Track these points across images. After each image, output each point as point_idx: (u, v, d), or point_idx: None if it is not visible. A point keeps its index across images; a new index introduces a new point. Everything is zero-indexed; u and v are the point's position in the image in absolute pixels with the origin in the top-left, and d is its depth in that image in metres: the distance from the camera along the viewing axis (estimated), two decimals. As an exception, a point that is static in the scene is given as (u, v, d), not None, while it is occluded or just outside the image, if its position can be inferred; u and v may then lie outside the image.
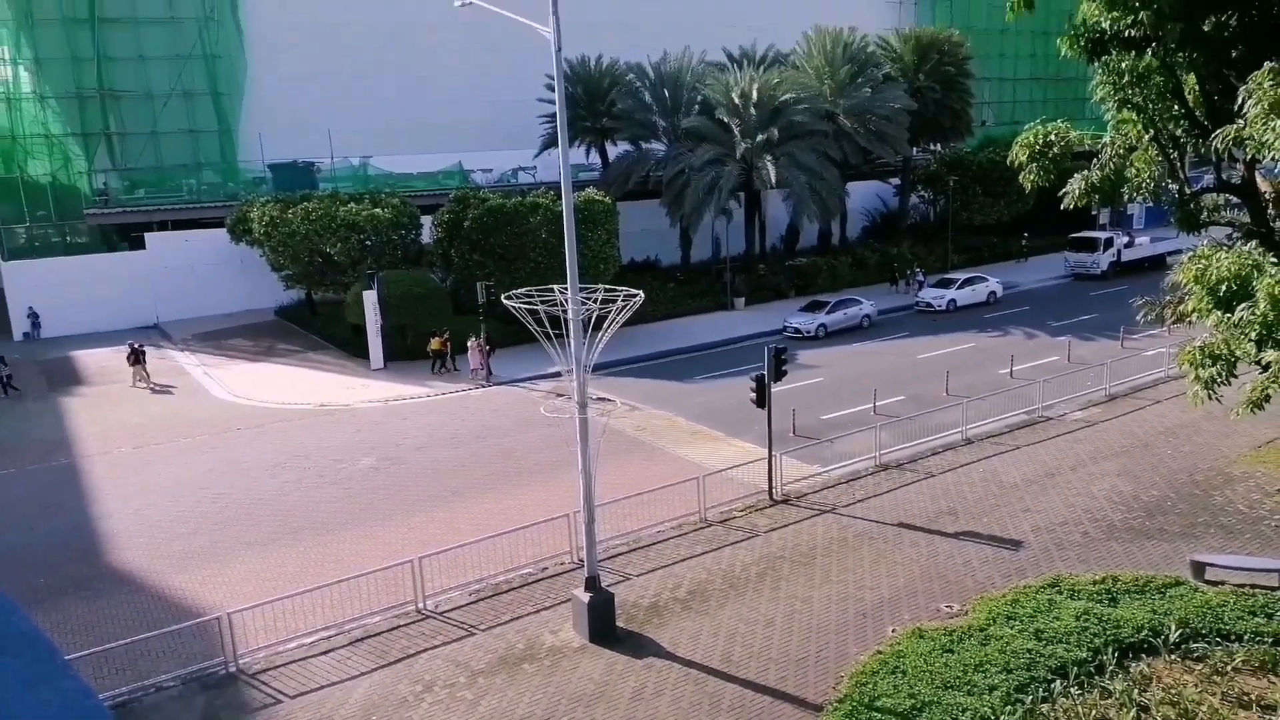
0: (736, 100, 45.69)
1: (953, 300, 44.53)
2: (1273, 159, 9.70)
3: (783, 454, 23.11)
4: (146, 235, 45.75)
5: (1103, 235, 52.80)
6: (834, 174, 47.43)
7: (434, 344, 35.42)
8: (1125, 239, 53.00)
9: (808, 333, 39.74)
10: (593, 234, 39.17)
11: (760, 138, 44.79)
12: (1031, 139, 13.62)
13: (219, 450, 28.09)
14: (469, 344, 34.62)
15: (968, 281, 46.06)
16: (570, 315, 15.98)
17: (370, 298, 36.07)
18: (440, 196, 43.99)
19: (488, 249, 38.10)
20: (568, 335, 16.05)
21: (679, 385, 32.43)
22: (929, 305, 44.79)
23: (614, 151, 50.71)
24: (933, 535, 20.20)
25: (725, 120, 45.86)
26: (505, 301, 16.60)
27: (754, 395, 22.63)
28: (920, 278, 48.81)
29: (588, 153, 51.61)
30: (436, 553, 18.43)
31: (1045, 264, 54.98)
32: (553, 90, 16.97)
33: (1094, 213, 50.60)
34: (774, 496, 22.43)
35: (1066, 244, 53.35)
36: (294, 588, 17.79)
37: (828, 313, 40.85)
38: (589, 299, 16.21)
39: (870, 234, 60.45)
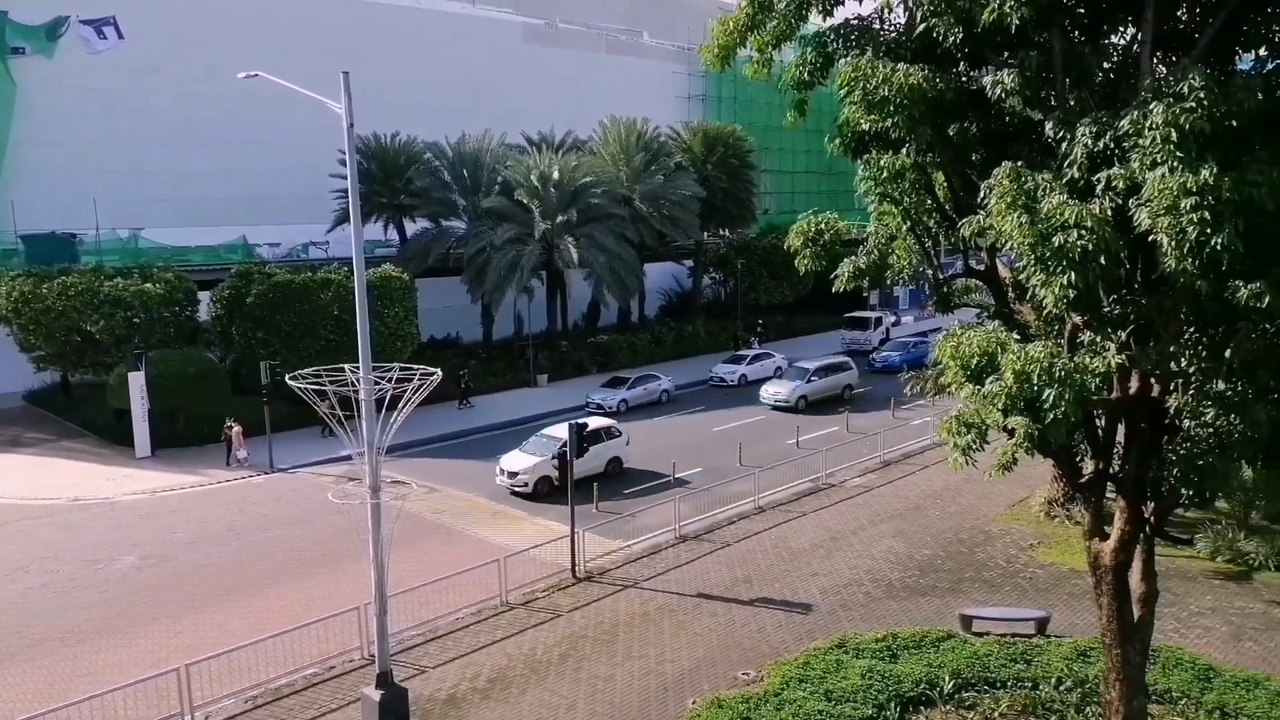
0: (536, 182, 46.53)
1: (744, 375, 46.71)
2: (1011, 248, 10.90)
3: (585, 530, 23.03)
4: None
5: (873, 315, 57.49)
6: (632, 255, 49.05)
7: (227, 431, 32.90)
8: (893, 318, 58.12)
9: (609, 408, 40.26)
10: (389, 311, 38.20)
11: (561, 218, 45.72)
12: (805, 227, 14.65)
13: (-55, 555, 24.47)
14: (227, 429, 32.53)
15: (757, 357, 48.61)
16: (362, 395, 15.35)
17: (137, 379, 33.15)
18: (221, 271, 41.41)
19: (273, 326, 36.17)
20: (359, 416, 15.37)
21: (481, 464, 31.76)
22: (722, 380, 46.75)
23: (413, 228, 50.02)
24: (730, 604, 20.67)
25: (525, 201, 46.49)
26: (290, 382, 15.71)
27: (557, 472, 22.54)
28: (756, 345, 53.81)
29: (385, 229, 50.59)
30: (207, 658, 16.73)
31: (826, 341, 59.00)
32: (346, 165, 16.56)
33: (865, 294, 55.38)
34: (577, 574, 22.23)
35: (842, 323, 57.68)
36: (34, 709, 15.56)
37: (629, 388, 41.69)
38: (383, 378, 15.66)
39: (667, 312, 62.69)
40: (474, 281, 46.12)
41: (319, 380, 15.22)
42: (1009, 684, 16.36)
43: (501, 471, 29.19)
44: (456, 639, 19.21)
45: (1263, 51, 11.27)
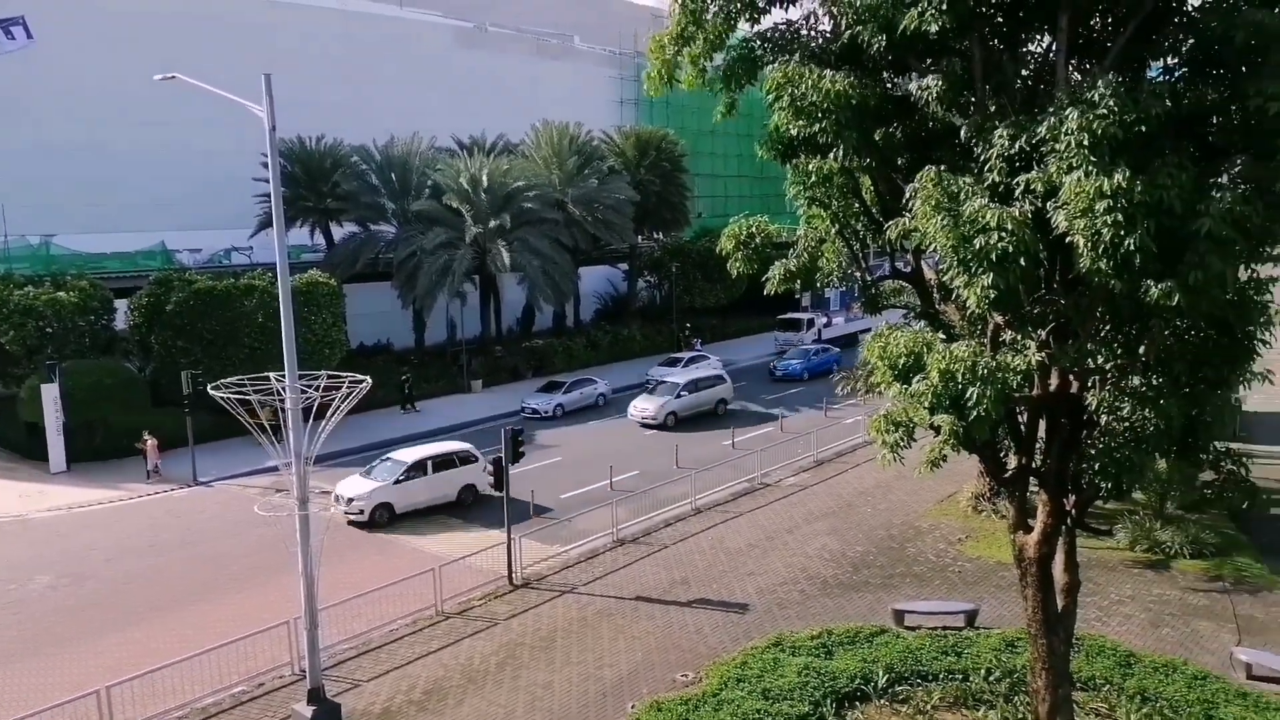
0: (467, 185, 46.05)
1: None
2: (935, 250, 11.14)
3: (522, 537, 22.84)
4: None
5: (805, 316, 58.31)
6: (566, 259, 48.88)
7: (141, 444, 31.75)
8: (825, 319, 58.94)
9: (545, 413, 40.07)
10: (317, 317, 37.41)
11: (493, 223, 45.31)
12: (736, 230, 14.80)
13: None
14: (141, 441, 31.52)
15: (693, 360, 48.83)
16: (288, 404, 14.96)
17: (50, 391, 31.80)
18: (139, 278, 39.99)
19: (194, 335, 35.10)
20: (285, 426, 14.99)
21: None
22: (659, 383, 46.81)
23: (340, 233, 49.04)
24: (668, 606, 20.72)
25: (457, 205, 45.96)
26: (212, 392, 15.24)
27: (491, 478, 22.31)
28: (698, 346, 54.24)
29: (312, 233, 49.48)
30: (130, 679, 16.12)
31: (760, 342, 59.65)
32: (269, 168, 16.14)
33: (797, 296, 56.12)
34: (514, 581, 22.03)
35: (776, 324, 58.37)
36: (-61, 741, 14.82)
37: (564, 393, 41.52)
38: (310, 386, 15.29)
39: (602, 316, 62.65)
40: (405, 286, 45.42)
41: (243, 389, 14.80)
42: (941, 676, 16.72)
43: (338, 499, 26.57)
44: (391, 651, 18.86)
45: (1170, 60, 11.74)
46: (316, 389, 15.09)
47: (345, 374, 15.59)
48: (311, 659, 15.69)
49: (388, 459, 27.99)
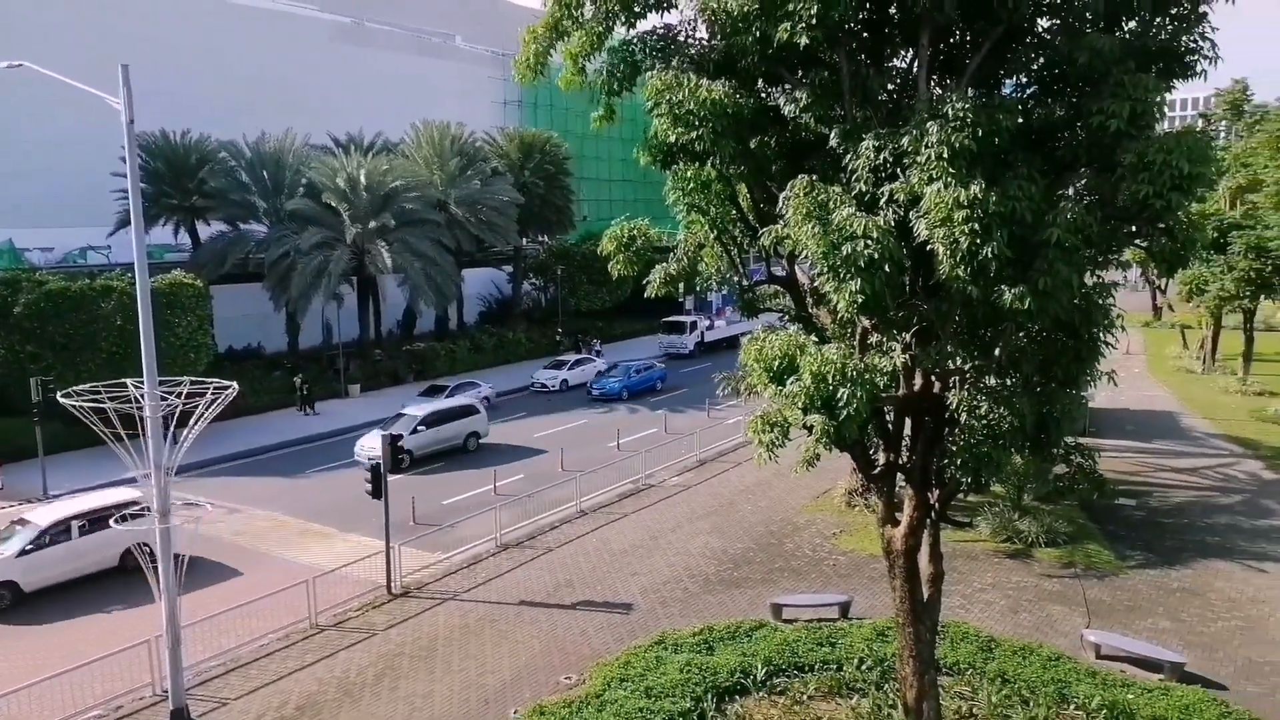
0: (344, 185, 44.74)
1: (565, 380, 46.88)
2: (808, 256, 11.52)
3: (402, 545, 22.33)
4: None
5: (689, 319, 59.20)
6: (449, 261, 48.10)
7: None
8: (708, 322, 59.99)
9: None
10: (181, 320, 35.68)
11: (373, 223, 44.19)
12: (618, 233, 14.93)
13: None
14: None
15: (579, 362, 48.92)
16: (147, 412, 14.19)
17: (-123, 400, 29.16)
18: (-18, 278, 37.17)
19: (45, 339, 32.86)
20: (144, 435, 14.20)
21: (286, 481, 30.13)
22: (544, 386, 46.74)
23: (208, 232, 46.80)
24: (552, 609, 20.65)
25: (334, 204, 44.60)
26: (63, 400, 14.31)
27: (369, 486, 21.75)
28: (598, 347, 54.44)
29: (176, 232, 47.10)
30: (-31, 710, 14.97)
31: (645, 345, 60.17)
32: (126, 163, 15.26)
33: (681, 299, 57.06)
34: (393, 590, 21.52)
35: (660, 327, 59.04)
36: None
37: (447, 397, 40.76)
38: (171, 394, 14.54)
39: (487, 319, 61.96)
40: (277, 288, 43.72)
41: (98, 397, 13.95)
42: (816, 667, 17.24)
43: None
44: (261, 667, 18.10)
45: (1022, 78, 12.50)
46: (179, 396, 14.36)
47: (210, 380, 14.91)
48: (174, 679, 14.92)
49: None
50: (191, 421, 14.35)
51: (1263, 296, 44.98)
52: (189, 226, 46.74)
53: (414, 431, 32.81)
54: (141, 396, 14.16)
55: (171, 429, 14.53)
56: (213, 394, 14.41)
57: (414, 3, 66.56)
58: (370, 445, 31.60)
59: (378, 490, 21.57)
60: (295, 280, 42.50)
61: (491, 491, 28.83)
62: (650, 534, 25.59)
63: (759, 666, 17.03)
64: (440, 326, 55.57)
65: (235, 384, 14.92)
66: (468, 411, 35.63)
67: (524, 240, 58.44)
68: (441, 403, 36.91)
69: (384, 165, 46.30)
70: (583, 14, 12.56)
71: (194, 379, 14.93)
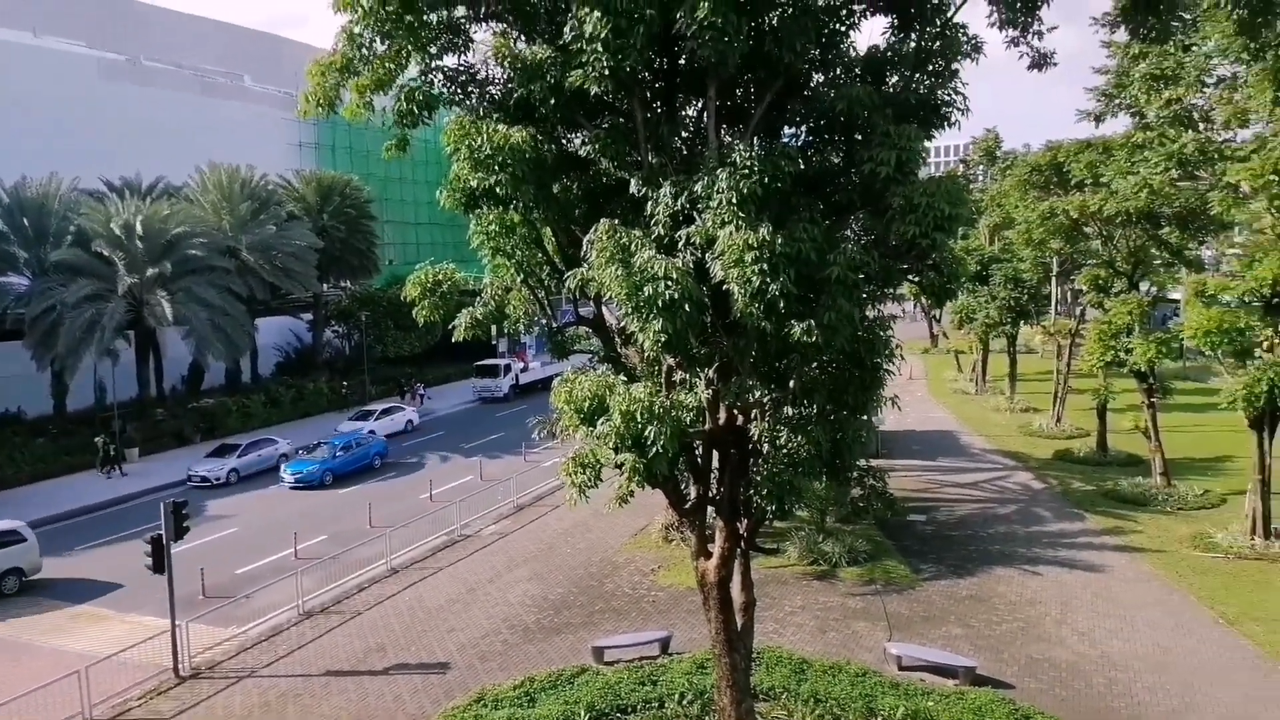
0: (120, 231, 41.31)
1: (372, 431, 45.00)
2: (612, 298, 11.68)
3: (190, 621, 20.47)
4: None
5: (503, 362, 58.64)
6: (240, 310, 45.30)
7: None
8: (522, 365, 59.62)
9: (217, 480, 36.48)
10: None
11: (152, 272, 40.96)
12: (423, 278, 14.59)
13: None
14: None
15: (386, 412, 47.11)
16: None
17: None
18: None
19: None
20: None
21: (50, 561, 26.96)
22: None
23: (-47, 285, 41.72)
24: (362, 677, 19.53)
25: (107, 253, 41.00)
26: None
27: (150, 559, 19.86)
28: (421, 390, 53.71)
29: (-85, 286, 41.69)
30: None
31: (460, 390, 58.98)
32: None
33: (494, 342, 56.37)
34: (181, 673, 19.65)
35: (473, 371, 58.12)
36: None
37: (239, 456, 38.09)
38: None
39: (285, 370, 58.68)
40: (40, 345, 39.47)
41: None
42: (639, 707, 17.21)
43: None
44: (25, 775, 15.99)
45: (801, 128, 13.35)
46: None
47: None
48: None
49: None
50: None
51: (1021, 322, 50.13)
52: (-68, 280, 41.56)
53: None
54: None
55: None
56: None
57: (195, 42, 62.95)
58: None
59: (160, 564, 19.74)
60: (62, 336, 38.54)
61: (292, 556, 27.08)
62: (467, 587, 24.85)
63: (582, 714, 16.80)
64: (232, 380, 52.02)
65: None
66: (9, 540, 25.25)
67: (325, 286, 56.13)
68: None
69: (165, 210, 43.18)
70: (374, 52, 12.28)
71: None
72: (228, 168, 49.12)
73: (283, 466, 37.52)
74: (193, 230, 43.64)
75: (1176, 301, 37.52)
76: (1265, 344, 24.14)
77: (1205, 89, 26.42)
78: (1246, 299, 24.52)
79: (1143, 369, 30.10)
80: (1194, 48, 25.40)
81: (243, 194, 48.50)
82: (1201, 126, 25.45)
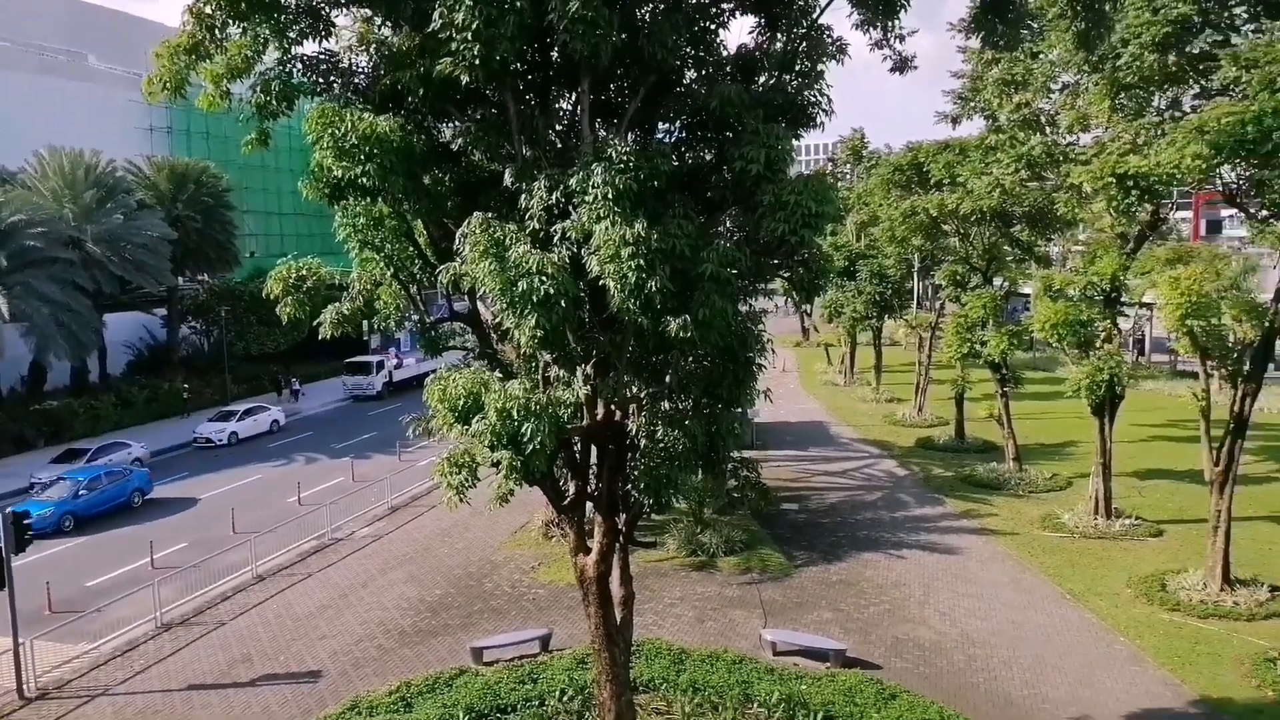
0: (-57, 219, 37.88)
1: (234, 433, 42.98)
2: (486, 292, 11.45)
3: (35, 639, 19.03)
4: None
5: (375, 359, 56.93)
6: (86, 305, 42.27)
7: None
8: (396, 361, 58.01)
9: (63, 488, 33.91)
10: None
11: (-19, 264, 37.76)
12: (285, 273, 13.98)
13: None
14: None
15: (249, 412, 44.96)
16: None
17: None
18: None
19: None
20: None
21: None
22: (209, 441, 42.49)
23: None
24: (227, 690, 18.60)
25: (-72, 243, 37.57)
26: None
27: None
28: (296, 386, 52.71)
29: None
30: None
31: (328, 388, 56.92)
32: None
33: (366, 338, 54.59)
34: (26, 694, 18.24)
35: (344, 368, 56.20)
36: None
37: (88, 461, 35.64)
38: None
39: (137, 368, 55.21)
40: None
41: None
42: (519, 706, 17.05)
43: None
44: None
45: (676, 124, 13.43)
46: None
47: None
48: None
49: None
50: None
51: (886, 316, 52.26)
52: None
53: None
54: None
55: None
56: None
57: (30, 15, 58.22)
58: None
59: (0, 579, 18.26)
60: (-123, 335, 35.14)
61: (148, 565, 25.54)
62: (339, 592, 24.02)
63: (461, 716, 16.51)
64: (78, 380, 48.50)
65: None
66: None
67: (180, 280, 53.06)
68: None
69: (-2, 198, 39.89)
70: (227, 36, 11.63)
71: None
72: (70, 152, 45.74)
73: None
74: (31, 219, 40.42)
75: (1027, 296, 39.98)
76: (1105, 335, 25.99)
77: (1051, 94, 28.20)
78: (1088, 293, 26.33)
79: (996, 360, 31.90)
80: (1041, 55, 27.05)
81: (87, 181, 45.25)
82: (1048, 130, 27.11)
